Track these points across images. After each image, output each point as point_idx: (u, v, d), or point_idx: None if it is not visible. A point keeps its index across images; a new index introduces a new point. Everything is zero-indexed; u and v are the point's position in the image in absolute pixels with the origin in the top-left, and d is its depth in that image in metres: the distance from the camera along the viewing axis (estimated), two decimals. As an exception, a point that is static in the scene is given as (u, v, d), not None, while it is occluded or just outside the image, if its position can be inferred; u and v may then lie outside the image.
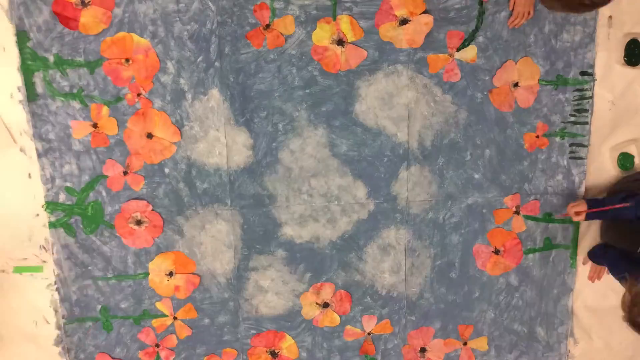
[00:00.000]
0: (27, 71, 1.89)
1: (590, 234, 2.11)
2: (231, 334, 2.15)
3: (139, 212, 2.02)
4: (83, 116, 1.95)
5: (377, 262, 2.11)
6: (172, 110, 1.96)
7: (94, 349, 2.13)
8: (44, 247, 2.03)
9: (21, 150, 1.96)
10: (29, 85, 1.90)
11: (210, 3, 1.88)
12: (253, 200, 2.04)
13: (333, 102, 1.98)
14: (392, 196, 2.06)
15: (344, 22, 1.92)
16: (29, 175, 1.98)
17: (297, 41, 1.93)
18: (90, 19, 1.87)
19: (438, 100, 1.99)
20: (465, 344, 2.20)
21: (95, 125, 1.95)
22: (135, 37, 1.89)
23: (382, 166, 2.04)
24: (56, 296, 2.07)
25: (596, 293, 2.16)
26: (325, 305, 2.14)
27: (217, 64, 1.92)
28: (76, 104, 1.94)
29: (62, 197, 2.00)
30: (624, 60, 1.97)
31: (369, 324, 2.17)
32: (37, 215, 2.01)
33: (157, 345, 2.14)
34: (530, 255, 2.12)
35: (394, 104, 1.99)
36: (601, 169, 2.06)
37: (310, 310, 2.15)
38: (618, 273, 1.83)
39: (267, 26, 1.91)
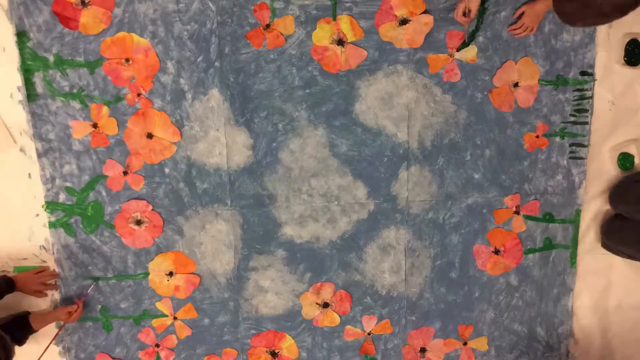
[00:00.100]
0: (27, 71, 1.89)
1: (591, 234, 2.11)
2: (231, 334, 2.15)
3: (139, 212, 2.02)
4: (83, 116, 1.95)
5: (377, 262, 2.11)
6: (172, 110, 1.96)
7: (94, 348, 2.13)
8: (44, 247, 2.03)
9: (21, 150, 1.96)
10: (29, 85, 1.90)
11: (210, 3, 1.88)
12: (253, 200, 2.04)
13: (333, 102, 1.98)
14: (392, 196, 2.06)
15: (344, 22, 1.92)
16: (29, 175, 1.98)
17: (297, 41, 1.93)
18: (90, 19, 1.87)
19: (438, 100, 1.99)
20: (465, 344, 2.20)
21: (95, 125, 1.95)
22: (135, 37, 1.89)
23: (382, 166, 2.03)
24: (56, 296, 2.07)
25: (596, 293, 2.16)
26: (325, 305, 2.14)
27: (217, 64, 1.92)
28: (76, 104, 1.94)
29: (62, 197, 2.00)
30: (624, 60, 1.97)
31: (369, 324, 2.17)
32: (37, 215, 2.01)
33: (157, 345, 2.14)
34: (530, 255, 2.12)
35: (394, 104, 1.99)
36: (601, 169, 2.06)
37: (310, 310, 2.14)
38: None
39: (267, 26, 1.91)
